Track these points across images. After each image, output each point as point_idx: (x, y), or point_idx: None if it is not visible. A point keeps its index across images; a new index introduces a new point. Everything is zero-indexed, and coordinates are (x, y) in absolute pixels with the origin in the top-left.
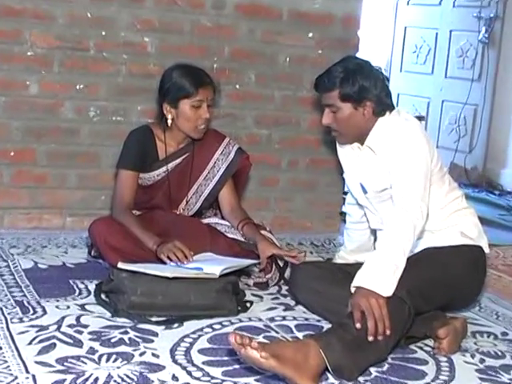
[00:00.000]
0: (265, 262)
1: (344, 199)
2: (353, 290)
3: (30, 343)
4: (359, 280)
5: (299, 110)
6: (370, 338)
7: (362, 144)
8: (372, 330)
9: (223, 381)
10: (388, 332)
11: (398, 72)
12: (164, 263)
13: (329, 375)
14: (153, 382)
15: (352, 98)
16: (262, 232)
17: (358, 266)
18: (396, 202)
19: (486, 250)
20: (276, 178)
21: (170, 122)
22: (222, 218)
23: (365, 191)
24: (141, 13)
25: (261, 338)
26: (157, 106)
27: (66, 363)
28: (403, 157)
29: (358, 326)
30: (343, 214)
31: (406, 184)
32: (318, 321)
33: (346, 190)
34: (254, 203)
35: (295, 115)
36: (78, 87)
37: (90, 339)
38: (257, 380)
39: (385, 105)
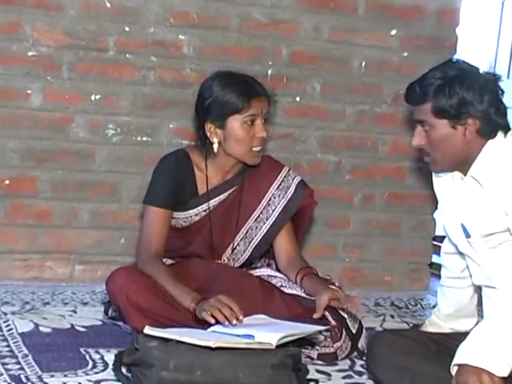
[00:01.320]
0: (321, 310)
1: (435, 246)
2: (454, 369)
3: None
4: (464, 355)
5: (377, 131)
6: None
7: (465, 174)
8: None
9: None
10: None
11: (506, 78)
12: (204, 329)
13: None
14: None
15: (449, 113)
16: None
17: (457, 336)
18: None
19: None
20: (346, 219)
21: (215, 147)
22: (277, 269)
23: (467, 235)
24: (175, 3)
25: None
26: (195, 125)
27: None
28: None
29: None
30: (435, 266)
31: None
32: None
33: (439, 233)
34: (318, 250)
35: (372, 137)
36: (92, 98)
37: None
38: None
39: (494, 124)
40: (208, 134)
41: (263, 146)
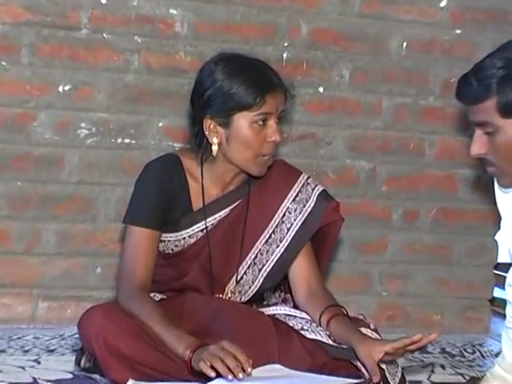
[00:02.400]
0: (376, 371)
1: (498, 277)
2: None
3: None
4: None
5: (422, 129)
6: None
7: None
8: None
9: None
10: None
11: None
12: (203, 381)
13: None
14: None
15: None
16: (362, 330)
17: None
18: None
19: None
20: (383, 241)
21: (215, 149)
22: (296, 306)
23: None
24: None
25: None
26: (191, 123)
27: None
28: None
29: None
30: (497, 303)
31: None
32: None
33: (502, 260)
34: (347, 282)
35: (416, 137)
36: (60, 89)
37: None
38: None
39: None
40: (206, 133)
41: (273, 153)
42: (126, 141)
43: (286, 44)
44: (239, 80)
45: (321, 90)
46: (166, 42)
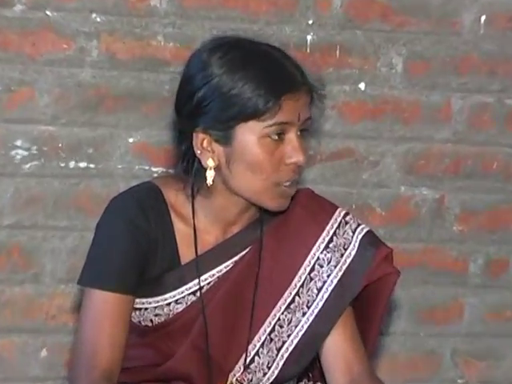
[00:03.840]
0: None
1: None
2: None
3: None
4: None
5: (511, 141)
6: None
7: None
8: None
9: None
10: None
11: None
12: None
13: None
14: None
15: None
16: None
17: None
18: None
19: None
20: (456, 305)
21: (211, 175)
22: None
23: None
24: None
25: None
26: (176, 139)
27: None
28: None
29: None
30: None
31: None
32: None
33: None
34: (406, 364)
35: (501, 152)
36: None
37: None
38: None
39: None
40: (198, 152)
41: (297, 180)
42: (82, 165)
43: (310, 22)
44: (243, 76)
45: (362, 86)
46: (137, 21)
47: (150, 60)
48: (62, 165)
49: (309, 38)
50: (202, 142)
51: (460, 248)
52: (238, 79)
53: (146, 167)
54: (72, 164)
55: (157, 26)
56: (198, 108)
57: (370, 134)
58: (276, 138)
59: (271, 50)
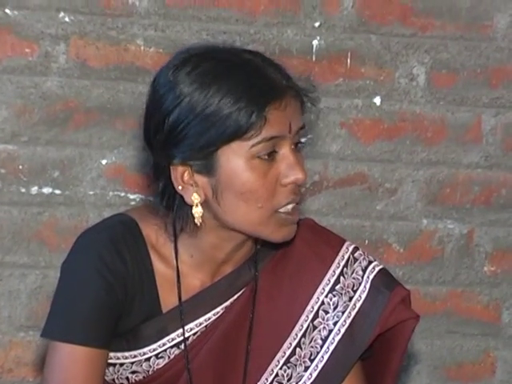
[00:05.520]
0: None
1: None
2: None
3: None
4: None
5: None
6: None
7: None
8: None
9: None
10: None
11: None
12: None
13: None
14: None
15: None
16: None
17: None
18: None
19: None
20: (488, 360)
21: (198, 212)
22: None
23: None
24: None
25: None
26: (152, 175)
27: None
28: None
29: None
30: None
31: None
32: None
33: None
34: None
35: None
36: None
37: None
38: None
39: None
40: (179, 188)
41: (300, 200)
42: (46, 191)
43: (316, 24)
44: (218, 89)
45: (377, 101)
46: (113, 22)
47: (128, 68)
48: (23, 190)
49: (315, 43)
50: (182, 175)
51: (492, 292)
52: (213, 94)
53: (122, 194)
54: (34, 190)
55: (136, 28)
56: (171, 136)
57: (387, 156)
58: (266, 157)
59: (247, 55)
